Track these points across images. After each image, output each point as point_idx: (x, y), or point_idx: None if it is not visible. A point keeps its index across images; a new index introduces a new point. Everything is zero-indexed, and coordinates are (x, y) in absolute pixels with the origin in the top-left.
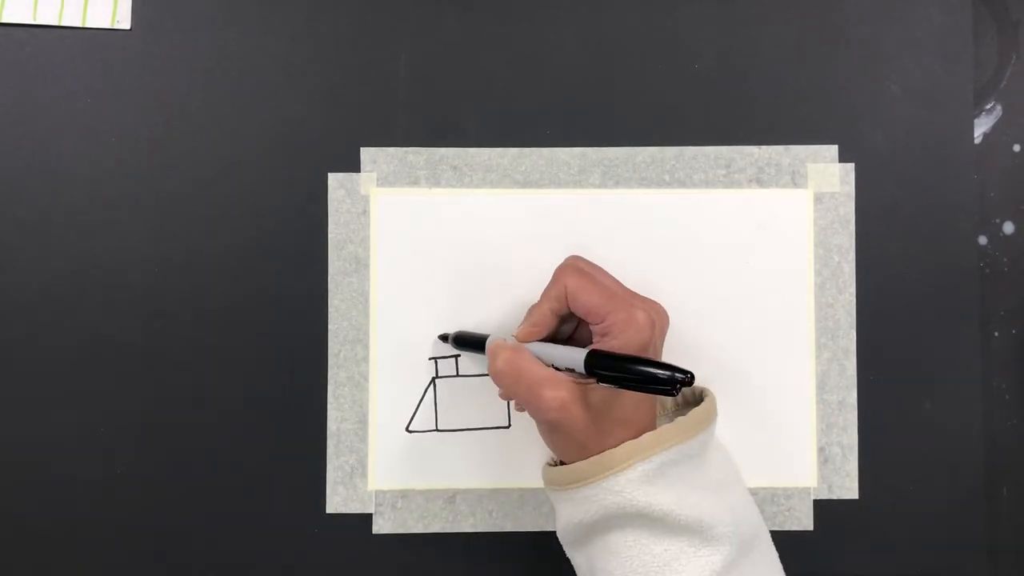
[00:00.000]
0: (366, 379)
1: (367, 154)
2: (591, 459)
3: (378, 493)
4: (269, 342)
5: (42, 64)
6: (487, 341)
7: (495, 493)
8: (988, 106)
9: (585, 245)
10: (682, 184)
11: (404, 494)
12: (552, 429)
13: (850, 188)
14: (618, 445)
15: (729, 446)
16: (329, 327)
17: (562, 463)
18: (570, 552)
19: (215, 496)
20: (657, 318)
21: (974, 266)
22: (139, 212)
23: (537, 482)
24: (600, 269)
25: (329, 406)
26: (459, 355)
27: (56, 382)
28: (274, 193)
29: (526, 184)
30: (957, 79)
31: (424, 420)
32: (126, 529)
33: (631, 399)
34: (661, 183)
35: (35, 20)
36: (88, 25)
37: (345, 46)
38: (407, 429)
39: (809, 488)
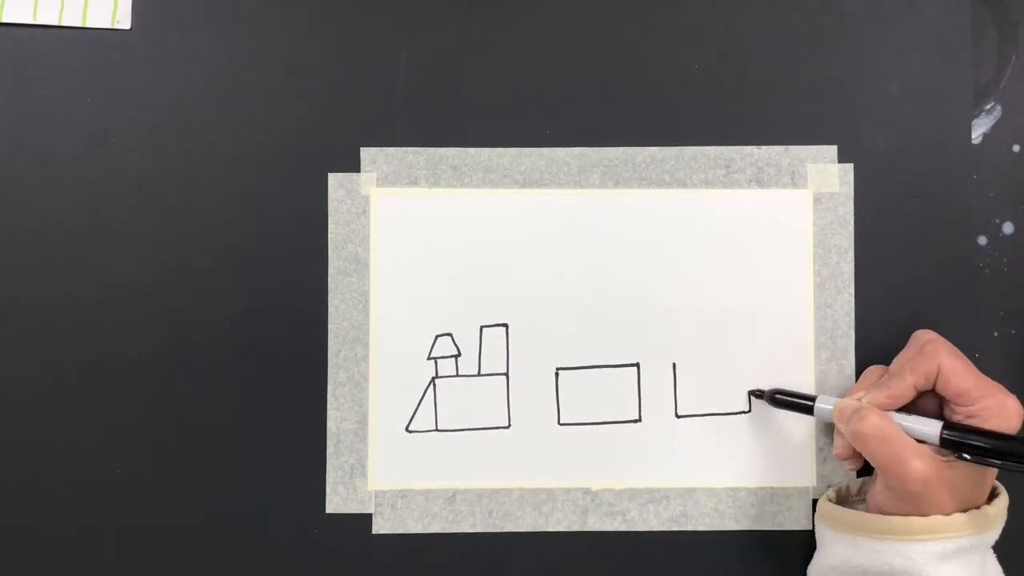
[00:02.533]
0: (366, 379)
1: (367, 154)
2: (896, 517)
3: (378, 493)
4: (269, 342)
5: (42, 64)
6: (823, 402)
7: (495, 493)
8: (987, 106)
9: (585, 245)
10: (682, 184)
11: (404, 494)
12: (902, 495)
13: (849, 188)
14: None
15: (729, 446)
16: (329, 327)
17: (862, 504)
18: None
19: (215, 496)
20: (1022, 410)
21: (974, 266)
22: (139, 212)
23: (537, 482)
24: (958, 350)
25: (329, 406)
26: (459, 355)
27: (56, 382)
28: (274, 193)
29: (526, 184)
30: (956, 79)
31: (424, 420)
32: (126, 529)
33: (979, 477)
34: (661, 183)
35: (35, 20)
36: (88, 25)
37: (345, 46)
38: (407, 429)
39: (809, 488)
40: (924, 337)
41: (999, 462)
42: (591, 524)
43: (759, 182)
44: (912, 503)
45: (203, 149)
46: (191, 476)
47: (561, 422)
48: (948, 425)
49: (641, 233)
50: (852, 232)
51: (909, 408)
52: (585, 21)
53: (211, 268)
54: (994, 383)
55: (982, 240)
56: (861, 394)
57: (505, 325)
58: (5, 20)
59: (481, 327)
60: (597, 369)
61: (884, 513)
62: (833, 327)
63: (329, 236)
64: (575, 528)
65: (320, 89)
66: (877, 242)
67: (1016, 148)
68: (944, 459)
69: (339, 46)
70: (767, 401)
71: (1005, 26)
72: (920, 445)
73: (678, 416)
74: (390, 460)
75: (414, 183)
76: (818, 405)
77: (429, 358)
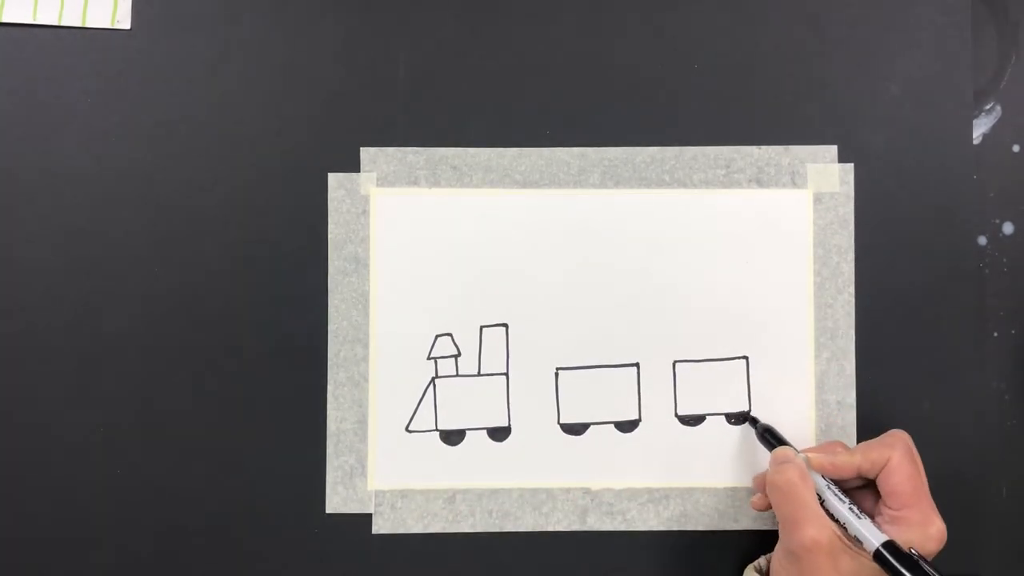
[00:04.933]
0: (366, 379)
1: (367, 154)
2: None
3: (378, 493)
4: (269, 342)
5: (42, 64)
6: (777, 449)
7: (495, 493)
8: (987, 107)
9: (585, 245)
10: (682, 184)
11: (404, 494)
12: (791, 558)
13: (849, 188)
14: None
15: (729, 446)
16: (329, 327)
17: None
18: None
19: (215, 496)
20: (943, 535)
21: (974, 266)
22: (139, 212)
23: (536, 482)
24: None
25: (329, 406)
26: (459, 355)
27: (56, 382)
28: (274, 193)
29: (526, 184)
30: (956, 80)
31: (424, 420)
32: (126, 529)
33: None
34: (661, 183)
35: (35, 20)
36: (88, 25)
37: (345, 46)
38: (407, 429)
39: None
40: (894, 432)
41: None
42: (591, 524)
43: (759, 182)
44: (797, 571)
45: (203, 149)
46: (191, 476)
47: (561, 422)
48: (891, 544)
49: (641, 233)
50: (852, 232)
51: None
52: (585, 21)
53: (211, 268)
54: (932, 504)
55: (982, 240)
56: (808, 451)
57: (505, 325)
58: (5, 20)
59: (481, 327)
60: (597, 369)
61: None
62: (833, 327)
63: (329, 236)
64: (575, 528)
65: (320, 89)
66: (877, 242)
67: (1016, 148)
68: (849, 545)
69: (339, 46)
70: (759, 432)
71: (1005, 26)
72: (827, 519)
73: (678, 416)
74: (390, 460)
75: (414, 183)
76: (777, 451)
77: (429, 358)
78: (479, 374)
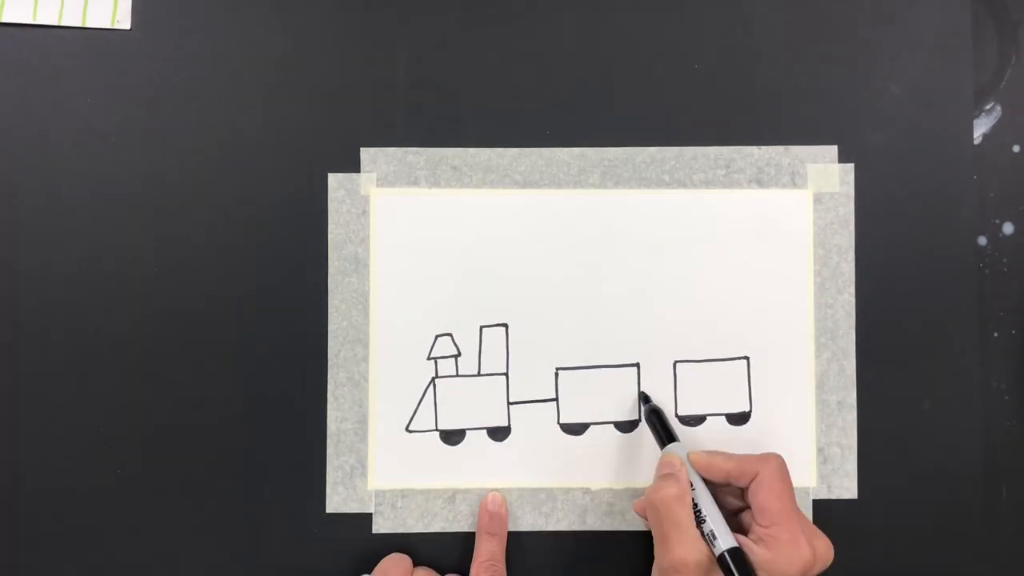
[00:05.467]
0: (366, 379)
1: (367, 154)
2: None
3: (378, 493)
4: (269, 342)
5: (42, 64)
6: (668, 448)
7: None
8: (988, 107)
9: (585, 245)
10: (682, 184)
11: (404, 494)
12: (661, 572)
13: (850, 188)
14: None
15: (729, 446)
16: (329, 327)
17: None
18: None
19: (215, 496)
20: (819, 559)
21: (974, 266)
22: (139, 212)
23: (536, 482)
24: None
25: (329, 406)
26: (459, 355)
27: (56, 383)
28: (274, 193)
29: (526, 184)
30: (957, 79)
31: (424, 420)
32: (126, 529)
33: None
34: (661, 183)
35: (35, 20)
36: (88, 25)
37: (345, 46)
38: (407, 429)
39: (808, 488)
40: (772, 452)
41: None
42: (591, 524)
43: (759, 182)
44: None
45: (203, 149)
46: (191, 476)
47: (561, 422)
48: (735, 551)
49: (641, 233)
50: (852, 232)
51: (733, 522)
52: (585, 21)
53: (211, 268)
54: (804, 525)
55: (982, 240)
56: (695, 454)
57: (505, 325)
58: (5, 20)
59: (481, 327)
60: (597, 369)
61: None
62: (833, 327)
63: (329, 236)
64: (575, 528)
65: (320, 89)
66: (877, 242)
67: (1016, 148)
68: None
69: (339, 46)
70: (647, 411)
71: (1005, 26)
72: (698, 540)
73: (678, 416)
74: (390, 460)
75: (414, 183)
76: (666, 455)
77: (429, 358)
78: (479, 374)
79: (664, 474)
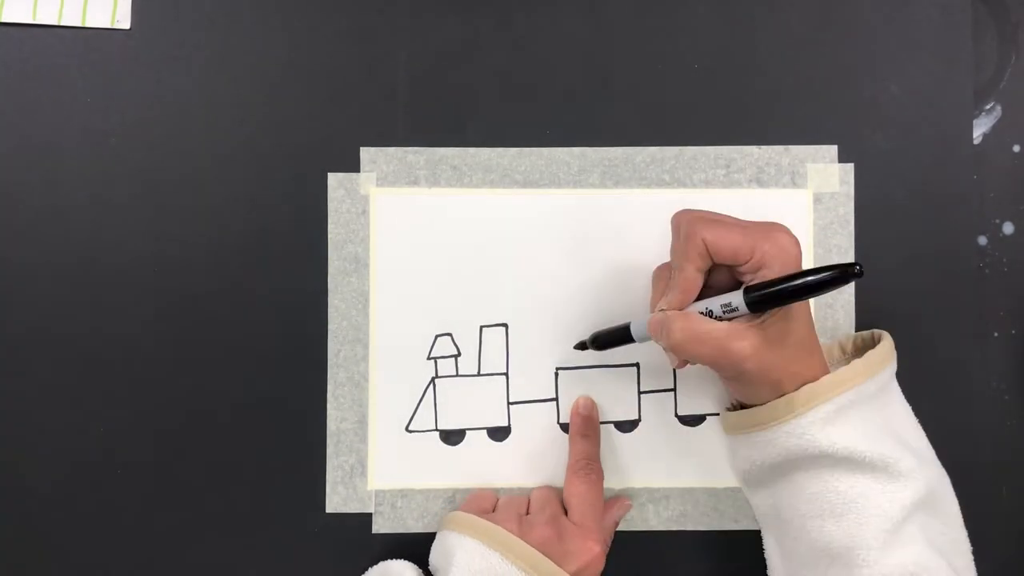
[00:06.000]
0: (366, 379)
1: (367, 154)
2: (771, 404)
3: (378, 493)
4: (269, 342)
5: (42, 64)
6: (634, 325)
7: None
8: (987, 106)
9: (585, 245)
10: (682, 184)
11: (404, 494)
12: (745, 378)
13: (850, 188)
14: (798, 387)
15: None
16: (329, 327)
17: (743, 406)
18: (750, 493)
19: (215, 496)
20: (794, 235)
21: (974, 266)
22: (139, 212)
23: (536, 482)
24: (715, 212)
25: (329, 406)
26: (459, 355)
27: (56, 382)
28: (274, 193)
29: (526, 184)
30: (956, 79)
31: (424, 420)
32: (126, 529)
33: (804, 323)
34: (661, 183)
35: (35, 20)
36: (88, 25)
37: (345, 46)
38: (407, 429)
39: None
40: (681, 219)
41: (803, 293)
42: None
43: (759, 182)
44: (751, 379)
45: (203, 149)
46: (191, 476)
47: (561, 422)
48: (747, 289)
49: (641, 233)
50: (852, 232)
51: (711, 291)
52: (585, 21)
53: (211, 268)
54: (761, 225)
55: (982, 240)
56: (661, 304)
57: (505, 325)
58: (5, 20)
59: (481, 327)
60: (597, 369)
61: (746, 406)
62: (833, 327)
63: (329, 236)
64: None
65: (320, 89)
66: (877, 242)
67: (1016, 148)
68: (759, 323)
69: (339, 46)
70: (593, 348)
71: (1005, 26)
72: (735, 324)
73: (678, 416)
74: (390, 460)
75: (414, 183)
76: (634, 331)
77: (429, 358)
78: (479, 374)
79: (659, 329)
